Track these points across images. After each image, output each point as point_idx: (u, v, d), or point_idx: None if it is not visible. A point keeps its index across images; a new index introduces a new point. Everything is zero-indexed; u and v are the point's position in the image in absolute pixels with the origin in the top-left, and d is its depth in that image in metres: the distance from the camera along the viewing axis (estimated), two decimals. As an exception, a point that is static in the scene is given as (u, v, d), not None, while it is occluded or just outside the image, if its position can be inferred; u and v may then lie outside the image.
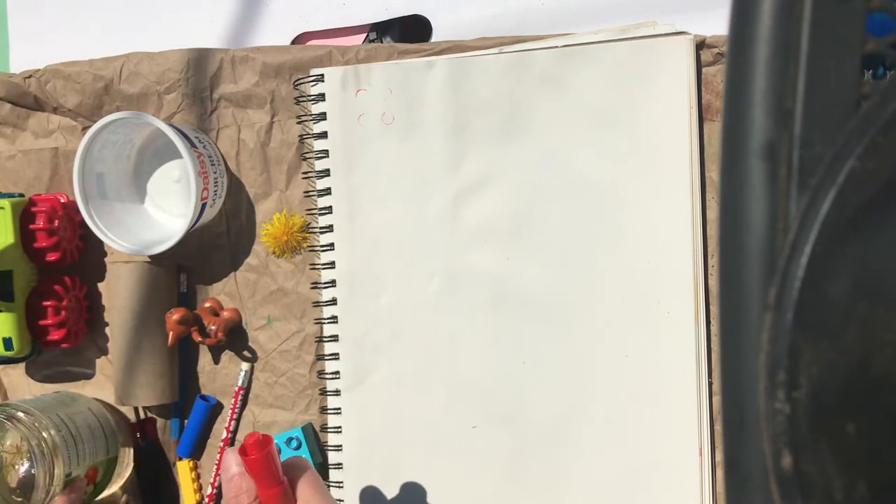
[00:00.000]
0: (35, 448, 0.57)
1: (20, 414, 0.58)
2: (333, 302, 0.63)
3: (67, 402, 0.63)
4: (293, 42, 0.66)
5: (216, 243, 0.65)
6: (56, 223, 0.64)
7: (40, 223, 0.63)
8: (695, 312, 0.57)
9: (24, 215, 0.64)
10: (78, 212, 0.66)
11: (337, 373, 0.63)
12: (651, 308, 0.58)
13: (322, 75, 0.61)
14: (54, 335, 0.64)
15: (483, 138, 0.60)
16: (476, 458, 0.61)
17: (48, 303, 0.64)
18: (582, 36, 0.59)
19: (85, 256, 0.67)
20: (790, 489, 0.22)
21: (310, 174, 0.63)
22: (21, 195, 0.65)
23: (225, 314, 0.64)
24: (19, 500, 0.60)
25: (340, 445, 0.63)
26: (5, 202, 0.62)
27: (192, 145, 0.59)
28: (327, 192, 0.62)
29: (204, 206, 0.60)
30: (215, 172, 0.61)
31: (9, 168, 0.68)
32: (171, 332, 0.62)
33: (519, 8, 0.61)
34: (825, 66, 0.24)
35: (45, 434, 0.58)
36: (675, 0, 0.59)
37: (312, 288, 0.64)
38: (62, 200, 0.65)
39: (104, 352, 0.68)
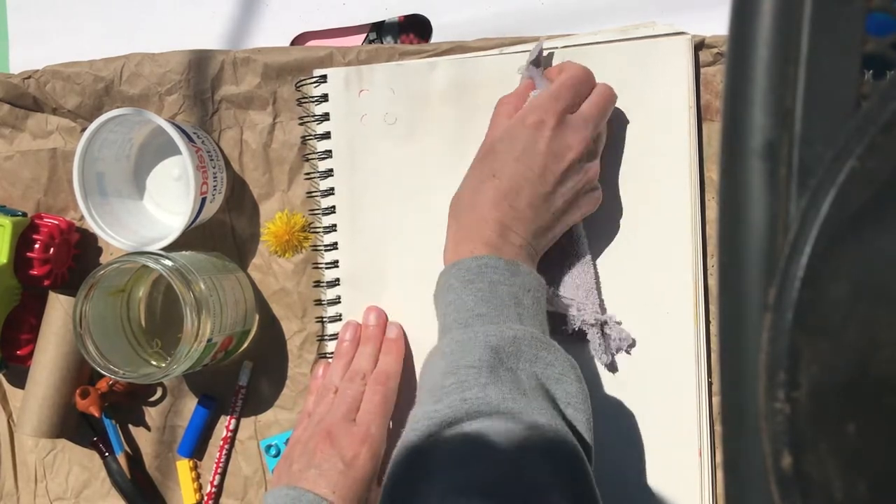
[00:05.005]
0: (192, 301, 0.56)
1: (175, 264, 0.57)
2: (337, 300, 0.63)
3: (220, 268, 0.62)
4: (293, 42, 0.66)
5: (222, 243, 0.65)
6: (52, 251, 0.63)
7: (37, 251, 0.63)
8: (695, 312, 0.57)
9: (23, 238, 0.63)
10: (74, 231, 0.65)
11: (337, 373, 0.63)
12: (651, 308, 0.58)
13: (325, 76, 0.62)
14: (24, 351, 0.65)
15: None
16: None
17: (26, 320, 0.65)
18: (582, 36, 0.59)
19: (76, 276, 0.66)
20: (790, 489, 0.22)
21: (312, 175, 0.63)
22: (24, 214, 0.65)
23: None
24: (158, 351, 0.61)
25: (341, 445, 0.63)
26: (6, 221, 0.62)
27: (191, 140, 0.59)
28: (331, 192, 0.62)
29: (204, 200, 0.60)
30: (214, 167, 0.61)
31: (7, 169, 0.68)
32: (91, 408, 0.63)
33: (519, 8, 0.61)
34: (825, 65, 0.24)
35: (196, 289, 0.57)
36: (675, 0, 0.59)
37: (315, 286, 0.64)
38: (61, 227, 0.64)
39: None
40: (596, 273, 0.58)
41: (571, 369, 0.49)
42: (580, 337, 0.58)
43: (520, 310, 0.50)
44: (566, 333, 0.57)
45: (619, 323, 0.58)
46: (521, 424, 0.44)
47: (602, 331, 0.57)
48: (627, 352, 0.58)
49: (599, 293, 0.58)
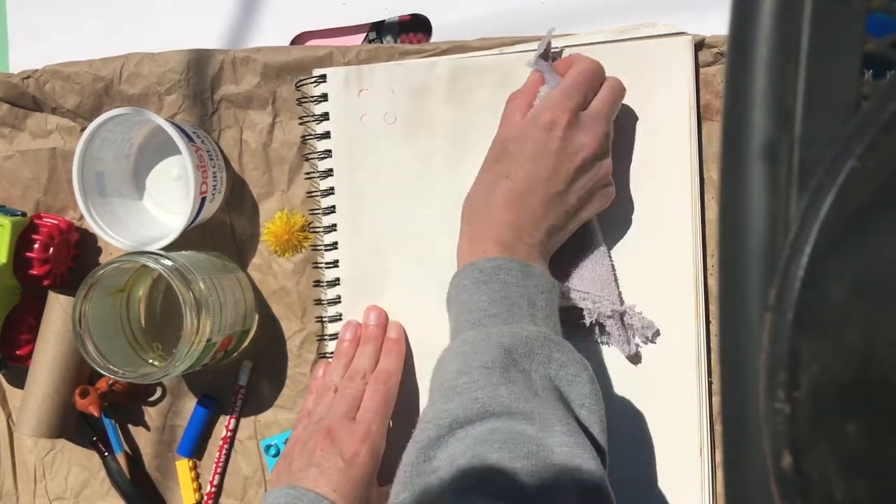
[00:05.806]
0: (191, 301, 0.56)
1: (175, 264, 0.57)
2: (337, 300, 0.63)
3: (220, 267, 0.62)
4: (293, 42, 0.66)
5: (222, 243, 0.65)
6: (51, 251, 0.63)
7: (37, 251, 0.63)
8: (695, 312, 0.57)
9: (22, 238, 0.63)
10: (74, 231, 0.65)
11: (337, 373, 0.63)
12: (651, 308, 0.58)
13: (324, 76, 0.62)
14: (24, 351, 0.65)
15: (485, 138, 0.60)
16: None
17: (25, 320, 0.65)
18: (582, 36, 0.59)
19: (75, 276, 0.66)
20: (790, 489, 0.22)
21: (312, 174, 0.63)
22: (23, 213, 0.65)
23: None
24: (159, 353, 0.61)
25: (340, 445, 0.63)
26: (6, 220, 0.62)
27: (190, 140, 0.59)
28: (331, 191, 0.62)
29: (203, 200, 0.60)
30: (214, 167, 0.61)
31: (6, 168, 0.68)
32: (90, 407, 0.63)
33: (519, 8, 0.61)
34: (825, 66, 0.24)
35: (196, 288, 0.56)
36: (675, 0, 0.59)
37: (315, 286, 0.64)
38: (61, 227, 0.64)
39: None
40: (612, 264, 0.58)
41: (584, 370, 0.49)
42: (599, 330, 0.58)
43: (533, 311, 0.50)
44: (584, 327, 0.57)
45: (640, 312, 0.58)
46: (532, 426, 0.44)
47: (622, 321, 0.57)
48: (653, 340, 0.58)
49: (617, 284, 0.58)
